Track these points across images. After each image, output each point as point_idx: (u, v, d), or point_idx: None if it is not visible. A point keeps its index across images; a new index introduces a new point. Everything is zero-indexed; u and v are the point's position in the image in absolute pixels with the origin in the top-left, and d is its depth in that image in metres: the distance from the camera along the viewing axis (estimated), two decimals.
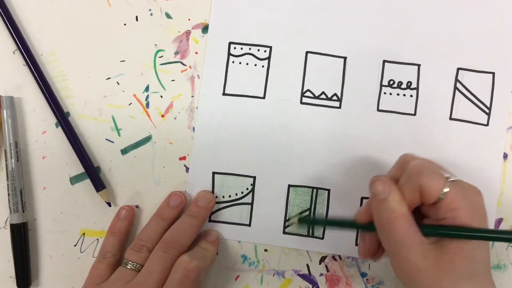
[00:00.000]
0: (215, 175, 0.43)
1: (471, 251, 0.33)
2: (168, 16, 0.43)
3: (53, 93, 0.42)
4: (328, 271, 0.43)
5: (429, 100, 0.43)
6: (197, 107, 0.43)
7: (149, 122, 0.43)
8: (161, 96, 0.43)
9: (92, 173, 0.42)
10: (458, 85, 0.42)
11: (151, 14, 0.43)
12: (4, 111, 0.42)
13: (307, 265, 0.43)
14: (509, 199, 0.43)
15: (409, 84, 0.42)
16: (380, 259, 0.43)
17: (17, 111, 0.43)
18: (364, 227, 0.37)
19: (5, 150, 0.42)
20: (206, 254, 0.40)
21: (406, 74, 0.43)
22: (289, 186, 0.43)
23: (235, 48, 0.43)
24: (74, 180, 0.43)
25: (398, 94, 0.43)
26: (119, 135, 0.43)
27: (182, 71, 0.43)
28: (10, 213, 0.42)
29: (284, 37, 0.43)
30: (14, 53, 0.43)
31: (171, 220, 0.41)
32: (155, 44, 0.43)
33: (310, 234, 0.43)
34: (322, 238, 0.43)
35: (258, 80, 0.43)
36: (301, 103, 0.43)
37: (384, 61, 0.43)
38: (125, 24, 0.43)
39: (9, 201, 0.42)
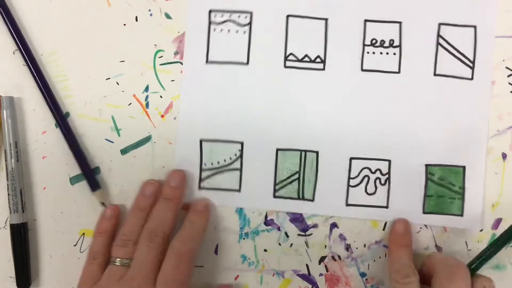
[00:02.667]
0: (203, 142, 0.43)
1: None
2: (167, 16, 0.43)
3: (51, 94, 0.42)
4: (327, 271, 0.43)
5: (413, 57, 0.43)
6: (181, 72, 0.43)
7: (149, 122, 0.43)
8: (161, 96, 0.43)
9: (88, 173, 0.42)
10: (441, 40, 0.43)
11: (151, 15, 0.43)
12: (4, 111, 0.42)
13: (307, 265, 0.43)
14: (509, 199, 0.43)
15: (391, 42, 0.42)
16: (380, 259, 0.43)
17: (17, 111, 0.43)
18: None
19: (5, 150, 0.42)
20: (196, 230, 0.40)
21: (388, 33, 0.43)
22: (277, 150, 0.43)
23: (215, 15, 0.43)
24: (74, 180, 0.43)
25: (381, 53, 0.43)
26: (119, 135, 0.43)
27: (181, 71, 0.43)
28: (10, 213, 0.42)
29: (264, 1, 0.43)
30: (14, 53, 0.43)
31: (150, 209, 0.41)
32: (155, 44, 0.43)
33: (301, 197, 0.43)
34: (313, 200, 0.43)
35: (241, 46, 0.43)
36: (285, 67, 0.43)
37: (366, 21, 0.43)
38: (124, 24, 0.43)
39: (9, 201, 0.42)
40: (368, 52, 0.43)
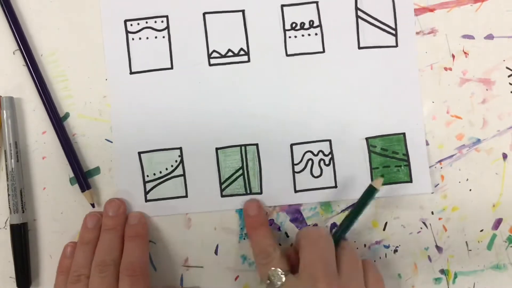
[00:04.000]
0: (141, 154, 0.42)
1: None
2: None
3: (49, 95, 0.42)
4: None
5: (335, 34, 0.43)
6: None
7: None
8: None
9: (77, 173, 0.42)
10: (360, 13, 0.43)
11: None
12: (4, 111, 0.42)
13: None
14: (509, 199, 0.43)
15: (311, 23, 0.43)
16: (380, 259, 0.43)
17: (17, 111, 0.43)
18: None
19: (5, 151, 0.42)
20: (139, 248, 0.40)
21: (306, 14, 0.43)
22: (217, 149, 0.43)
23: (131, 24, 0.43)
24: (74, 180, 0.43)
25: (303, 36, 0.43)
26: None
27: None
28: (10, 213, 0.42)
29: (177, 3, 0.42)
30: (14, 53, 0.43)
31: (96, 240, 0.40)
32: None
33: (248, 192, 0.43)
34: (261, 193, 0.43)
35: (162, 52, 0.43)
36: (210, 65, 0.43)
37: (282, 6, 0.43)
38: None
39: (9, 201, 0.42)
40: (290, 37, 0.43)
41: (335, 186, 0.43)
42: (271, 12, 0.43)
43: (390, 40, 0.43)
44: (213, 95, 0.43)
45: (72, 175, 0.43)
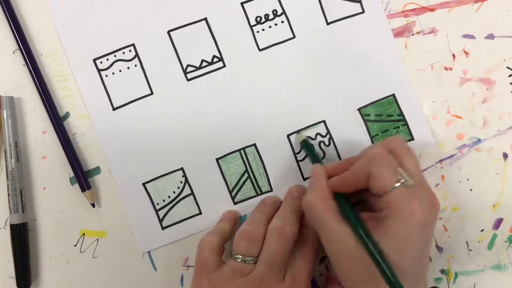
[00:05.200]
0: (146, 185, 0.42)
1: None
2: None
3: (49, 95, 0.42)
4: (328, 271, 0.43)
5: (301, 15, 0.43)
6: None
7: None
8: None
9: (77, 173, 0.42)
10: None
11: None
12: (4, 111, 0.42)
13: None
14: (509, 199, 0.43)
15: (275, 12, 0.43)
16: None
17: (17, 111, 0.43)
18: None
19: (5, 150, 0.42)
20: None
21: (267, 5, 0.43)
22: (217, 159, 0.43)
23: (101, 62, 0.42)
24: (74, 180, 0.43)
25: (270, 27, 0.43)
26: None
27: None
28: (10, 213, 0.42)
29: (140, 28, 0.42)
30: (14, 53, 0.43)
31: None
32: None
33: (259, 192, 0.43)
34: (272, 190, 0.43)
35: (139, 80, 0.42)
36: (188, 80, 0.42)
37: (242, 3, 0.43)
38: None
39: (9, 201, 0.42)
40: (258, 31, 0.43)
41: None
42: (233, 12, 0.43)
43: (356, 7, 0.43)
44: (199, 108, 0.42)
45: (72, 175, 0.43)
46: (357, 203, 0.37)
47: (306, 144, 0.42)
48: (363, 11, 0.43)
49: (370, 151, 0.35)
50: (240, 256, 0.37)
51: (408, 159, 0.35)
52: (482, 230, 0.43)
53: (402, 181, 0.33)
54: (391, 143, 0.36)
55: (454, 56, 0.43)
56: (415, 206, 0.33)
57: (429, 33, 0.43)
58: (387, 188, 0.33)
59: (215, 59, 0.43)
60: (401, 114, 0.43)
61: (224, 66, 0.43)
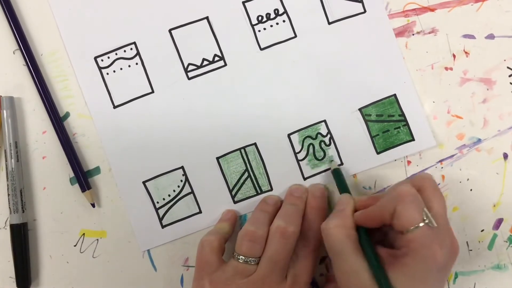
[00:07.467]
0: (146, 183, 0.42)
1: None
2: None
3: (48, 94, 0.42)
4: (328, 271, 0.43)
5: (302, 15, 0.43)
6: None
7: None
8: None
9: (77, 173, 0.42)
10: None
11: None
12: (4, 111, 0.42)
13: None
14: (509, 199, 0.43)
15: (276, 11, 0.42)
16: None
17: (17, 111, 0.43)
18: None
19: (5, 150, 0.42)
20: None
21: (269, 4, 0.43)
22: (217, 158, 0.43)
23: (102, 60, 0.42)
24: (74, 180, 0.43)
25: (271, 26, 0.43)
26: None
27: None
28: (10, 213, 0.42)
29: (142, 27, 0.42)
30: (14, 53, 0.43)
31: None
32: None
33: (259, 192, 0.43)
34: (272, 189, 0.43)
35: (140, 79, 0.42)
36: (189, 78, 0.42)
37: (244, 2, 0.42)
38: None
39: (9, 201, 0.42)
40: (259, 31, 0.43)
41: (341, 164, 0.43)
42: (234, 11, 0.42)
43: (357, 7, 0.43)
44: (200, 107, 0.42)
45: (72, 175, 0.43)
46: (378, 241, 0.37)
47: (337, 174, 0.41)
48: (365, 11, 0.43)
49: (398, 188, 0.35)
50: (243, 257, 0.37)
51: (435, 200, 0.35)
52: (482, 230, 0.43)
53: (426, 221, 0.33)
54: (420, 182, 0.36)
55: (454, 56, 0.43)
56: (436, 249, 0.33)
57: (429, 33, 0.43)
58: (410, 227, 0.33)
59: (216, 58, 0.42)
60: (402, 114, 0.43)
61: (225, 65, 0.43)
